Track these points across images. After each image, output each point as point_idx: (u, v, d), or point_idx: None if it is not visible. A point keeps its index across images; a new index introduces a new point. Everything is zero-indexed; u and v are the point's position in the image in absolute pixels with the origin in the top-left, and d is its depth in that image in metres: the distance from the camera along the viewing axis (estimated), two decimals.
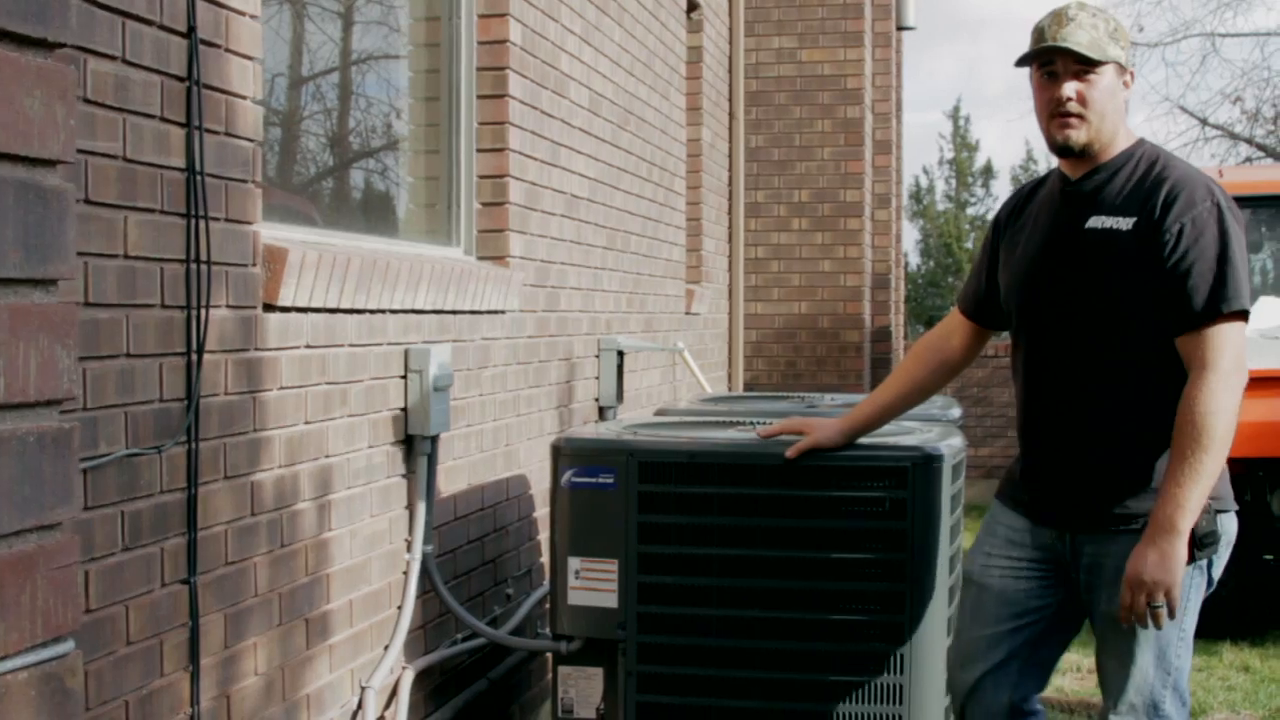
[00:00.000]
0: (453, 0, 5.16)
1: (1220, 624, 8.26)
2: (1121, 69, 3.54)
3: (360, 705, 4.04)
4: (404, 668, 4.32)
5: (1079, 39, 3.46)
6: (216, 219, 3.24)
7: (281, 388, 3.58)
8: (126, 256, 2.92)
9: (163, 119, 3.03)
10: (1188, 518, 3.28)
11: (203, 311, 3.14)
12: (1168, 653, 3.47)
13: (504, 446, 5.25)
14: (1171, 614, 3.31)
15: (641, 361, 7.28)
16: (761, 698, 4.18)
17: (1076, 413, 3.53)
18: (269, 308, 3.49)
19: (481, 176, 5.22)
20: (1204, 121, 22.68)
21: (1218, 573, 3.57)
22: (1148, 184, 3.46)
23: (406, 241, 4.87)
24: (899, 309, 13.90)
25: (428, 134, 5.19)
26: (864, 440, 4.16)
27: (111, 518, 2.89)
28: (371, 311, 4.07)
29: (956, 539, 4.36)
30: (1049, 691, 6.92)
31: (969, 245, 34.92)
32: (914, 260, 35.71)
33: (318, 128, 4.83)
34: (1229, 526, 3.55)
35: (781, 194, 11.22)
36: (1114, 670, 3.54)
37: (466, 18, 5.17)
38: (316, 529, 3.78)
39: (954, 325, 3.97)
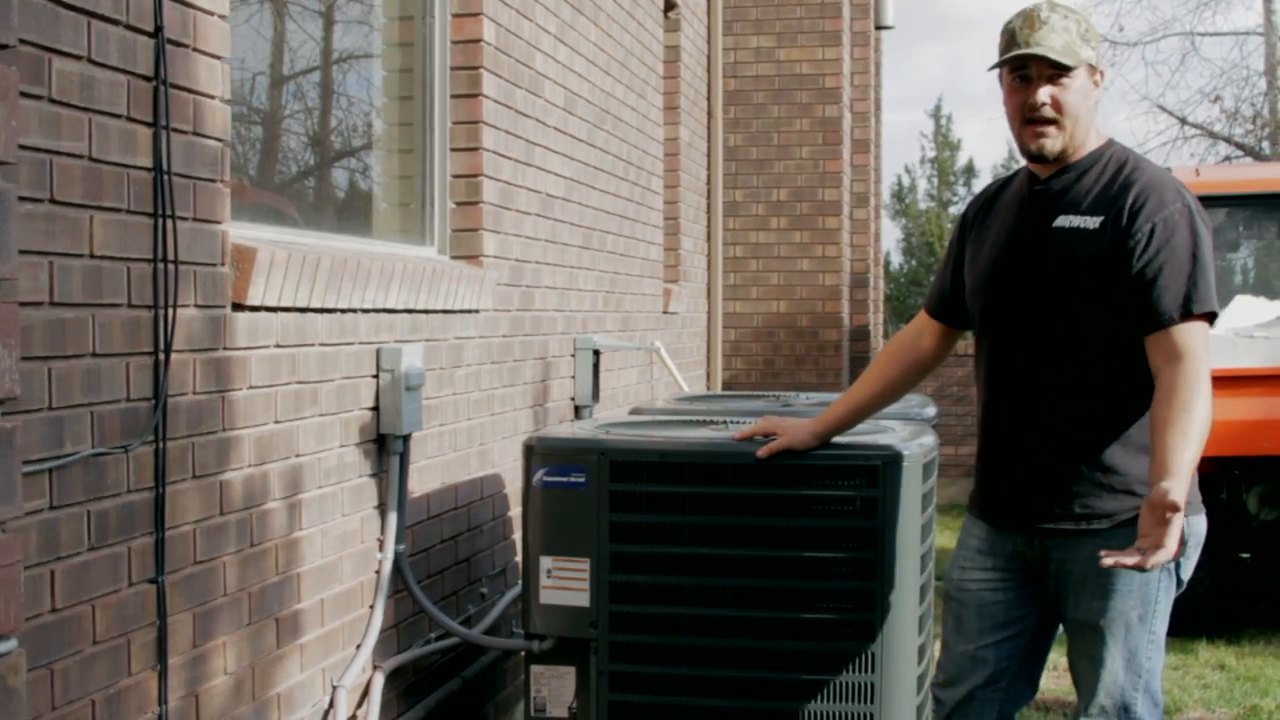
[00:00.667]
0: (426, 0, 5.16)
1: (1196, 622, 8.30)
2: (1093, 69, 3.52)
3: (332, 704, 4.04)
4: (376, 667, 4.32)
5: (1053, 43, 3.44)
6: (184, 218, 3.23)
7: (251, 387, 3.57)
8: (92, 256, 2.92)
9: (129, 119, 3.03)
10: (1184, 474, 3.15)
11: (170, 311, 3.14)
12: (1138, 655, 3.47)
13: (478, 446, 5.25)
14: (1170, 554, 3.08)
15: (619, 361, 7.28)
16: (733, 696, 4.18)
17: (1039, 413, 3.52)
18: (238, 307, 3.49)
19: (455, 176, 5.23)
20: (1183, 120, 22.74)
21: (1187, 574, 3.57)
22: (1117, 185, 3.46)
23: (381, 241, 4.87)
24: (878, 308, 13.92)
25: (402, 133, 5.20)
26: (836, 439, 4.17)
27: (77, 517, 2.89)
28: (342, 311, 4.07)
29: (928, 537, 4.37)
30: None
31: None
32: (896, 259, 35.77)
33: (292, 127, 4.83)
34: (1198, 528, 3.54)
35: (760, 193, 11.23)
36: (1085, 673, 3.55)
37: (440, 17, 5.17)
38: (287, 528, 3.78)
39: (923, 326, 3.96)
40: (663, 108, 8.64)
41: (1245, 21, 38.03)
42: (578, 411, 6.51)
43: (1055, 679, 7.27)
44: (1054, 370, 3.49)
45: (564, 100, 6.25)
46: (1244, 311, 8.71)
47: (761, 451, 4.07)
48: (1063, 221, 3.48)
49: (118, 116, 2.99)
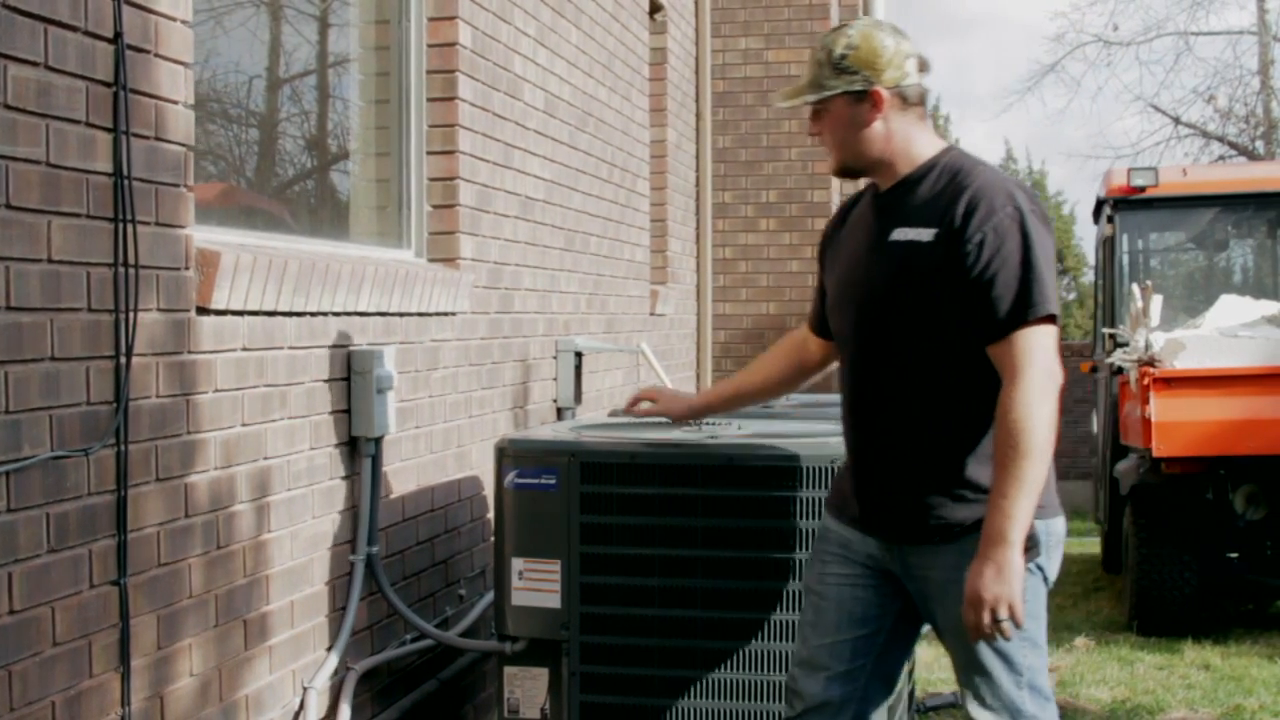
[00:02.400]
0: (402, 3, 5.18)
1: (1183, 622, 8.33)
2: (858, 94, 3.49)
3: (302, 706, 4.06)
4: (349, 668, 4.34)
5: (795, 86, 3.58)
6: (146, 223, 3.25)
7: (217, 390, 3.59)
8: (50, 261, 2.94)
9: (88, 124, 3.05)
10: (1018, 527, 3.24)
11: (130, 315, 3.16)
12: (1014, 658, 3.46)
13: (455, 448, 5.27)
14: (1018, 624, 3.26)
15: (603, 363, 7.30)
16: (704, 697, 4.21)
17: (891, 424, 3.52)
18: (202, 310, 3.50)
19: (432, 179, 5.25)
20: (1177, 120, 22.77)
21: (1053, 572, 3.57)
22: (948, 194, 3.43)
23: (357, 244, 4.89)
24: None
25: (379, 137, 5.22)
26: (805, 439, 4.19)
27: (36, 519, 2.91)
28: (312, 314, 4.09)
29: None
30: None
31: None
32: None
33: (269, 131, 4.85)
34: (1056, 529, 3.54)
35: (749, 194, 11.25)
36: (967, 678, 3.55)
37: (416, 21, 5.19)
38: (255, 530, 3.80)
39: (809, 333, 4.01)
40: (649, 110, 8.65)
41: (1239, 21, 38.00)
42: (560, 414, 6.52)
43: None
44: (902, 382, 3.49)
45: (544, 103, 6.27)
46: (1229, 311, 8.74)
47: (634, 410, 4.29)
48: (898, 235, 3.47)
49: (76, 122, 3.01)
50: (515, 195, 5.89)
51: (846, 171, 3.60)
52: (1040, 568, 3.48)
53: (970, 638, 3.34)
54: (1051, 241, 3.43)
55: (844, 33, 3.51)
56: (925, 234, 3.41)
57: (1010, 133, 69.83)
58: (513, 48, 5.86)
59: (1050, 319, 3.34)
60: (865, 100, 3.48)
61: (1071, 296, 34.77)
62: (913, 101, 3.52)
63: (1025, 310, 3.31)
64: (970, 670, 3.51)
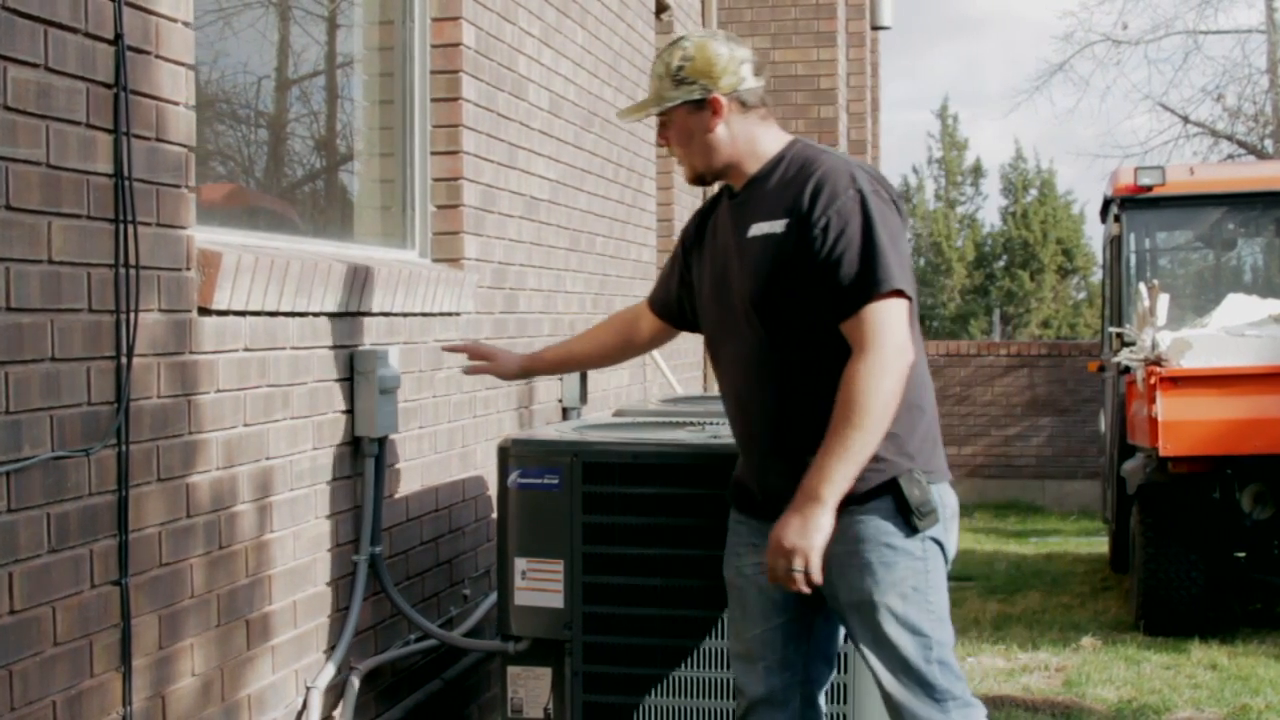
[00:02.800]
0: (406, 4, 5.19)
1: (1190, 622, 8.32)
2: (698, 103, 3.63)
3: (305, 705, 4.07)
4: (352, 668, 4.35)
5: (638, 102, 3.78)
6: (147, 224, 3.26)
7: (219, 390, 3.60)
8: (51, 262, 2.94)
9: (89, 125, 3.06)
10: (833, 490, 3.37)
11: (132, 315, 3.17)
12: (921, 627, 3.53)
13: (460, 448, 5.28)
14: (813, 580, 3.40)
15: None
16: (706, 697, 4.21)
17: (773, 410, 3.61)
18: (204, 311, 3.51)
19: (436, 179, 5.25)
20: (1186, 119, 22.70)
21: (951, 548, 3.65)
22: (796, 184, 3.56)
23: (361, 245, 4.90)
24: None
25: (383, 137, 5.22)
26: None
27: (37, 519, 2.91)
28: (314, 314, 4.09)
29: None
30: (1015, 690, 6.97)
31: (959, 244, 34.96)
32: None
33: (274, 131, 4.86)
34: (948, 499, 3.64)
35: None
36: (875, 655, 3.59)
37: (420, 21, 5.20)
38: (257, 530, 3.80)
39: (644, 312, 4.17)
40: None
41: (1248, 19, 38.02)
42: (565, 414, 6.52)
43: (1047, 679, 7.30)
44: (778, 369, 3.59)
45: (549, 103, 6.27)
46: (1236, 310, 8.73)
47: (466, 369, 4.47)
48: (755, 230, 3.60)
49: (76, 123, 3.02)
50: (520, 195, 5.90)
51: (700, 179, 3.74)
52: (938, 541, 3.58)
53: (768, 579, 3.49)
54: (899, 220, 3.55)
55: (679, 45, 3.67)
56: (778, 225, 3.55)
57: (1020, 132, 69.84)
58: (517, 48, 5.86)
59: (898, 294, 3.44)
60: (705, 108, 3.63)
61: (1081, 296, 34.80)
62: (752, 104, 3.67)
63: (871, 287, 3.42)
64: (878, 645, 3.56)
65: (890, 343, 3.41)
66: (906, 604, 3.51)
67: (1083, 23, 40.51)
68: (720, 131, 3.63)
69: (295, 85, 4.98)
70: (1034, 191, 34.52)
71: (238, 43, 4.37)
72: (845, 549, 3.49)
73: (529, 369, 4.37)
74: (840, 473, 3.37)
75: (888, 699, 3.59)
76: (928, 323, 34.06)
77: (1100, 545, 12.03)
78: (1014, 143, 61.55)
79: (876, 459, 3.45)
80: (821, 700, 3.85)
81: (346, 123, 5.23)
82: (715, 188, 3.89)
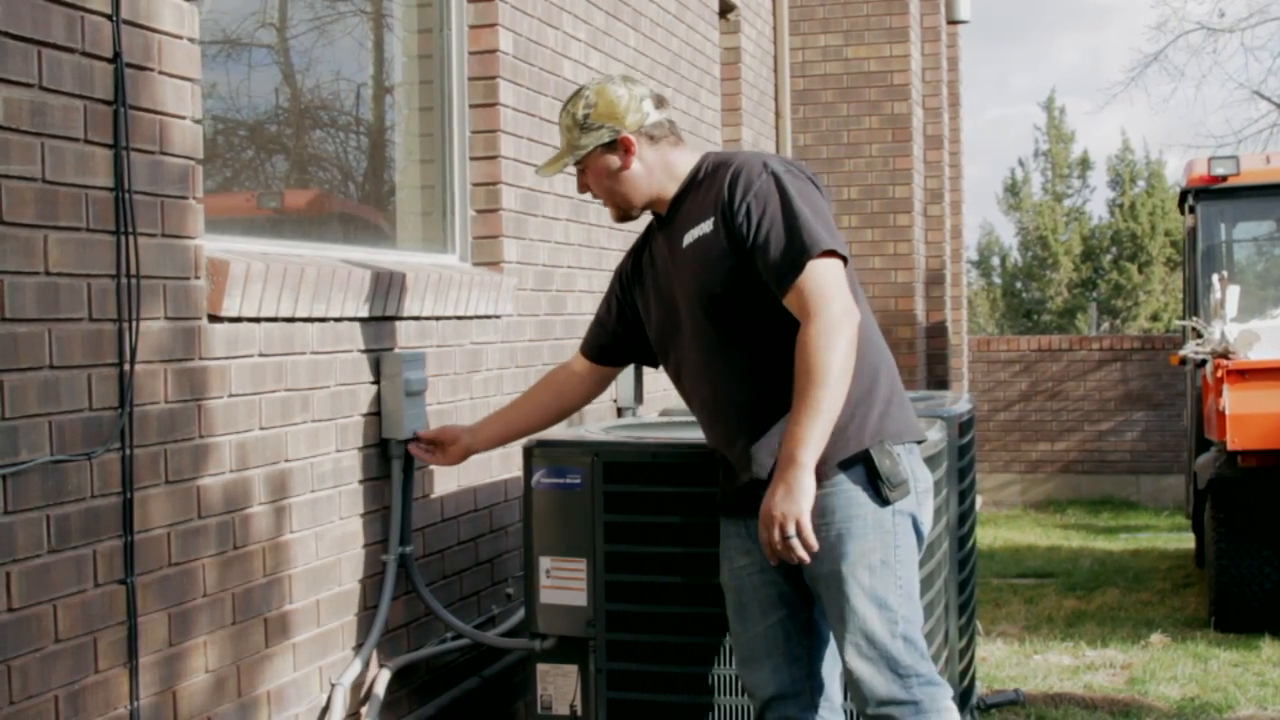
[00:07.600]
0: (444, 13, 5.28)
1: (1262, 619, 8.19)
2: (609, 145, 3.80)
3: (329, 702, 4.16)
4: (382, 665, 4.44)
5: (553, 157, 3.92)
6: (152, 235, 3.37)
7: (231, 395, 3.70)
8: (48, 273, 3.05)
9: (87, 141, 3.17)
10: (810, 451, 3.44)
11: (134, 324, 3.27)
12: (888, 601, 3.58)
13: (501, 449, 5.34)
14: (806, 544, 3.45)
15: None
16: (728, 694, 4.25)
17: (739, 407, 3.71)
18: (214, 318, 3.62)
19: (475, 184, 5.34)
20: None
21: (926, 523, 3.72)
22: (714, 185, 3.71)
23: (401, 250, 5.00)
24: (959, 304, 13.83)
25: (423, 144, 5.32)
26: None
27: (35, 521, 3.03)
28: (335, 319, 4.19)
29: (936, 528, 4.39)
30: (1076, 688, 6.92)
31: (1065, 238, 34.54)
32: (1013, 254, 35.49)
33: (314, 140, 4.97)
34: (920, 473, 3.72)
35: (830, 191, 11.21)
36: (842, 628, 3.63)
37: (457, 29, 5.29)
38: (274, 531, 3.90)
39: (577, 366, 4.30)
40: (722, 109, 8.69)
41: None
42: (620, 413, 6.57)
43: (1111, 676, 7.23)
44: (736, 366, 3.71)
45: None
46: None
47: (421, 455, 4.46)
48: (688, 238, 3.74)
49: (74, 140, 3.13)
50: (567, 198, 5.97)
51: (626, 216, 3.93)
52: (912, 516, 3.65)
53: (769, 557, 3.54)
54: (817, 193, 3.66)
55: (581, 95, 3.83)
56: (706, 226, 3.68)
57: (1128, 122, 68.81)
58: (561, 52, 5.93)
59: (831, 254, 3.54)
60: (617, 148, 3.80)
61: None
62: (660, 135, 3.84)
63: (801, 254, 3.53)
64: (845, 618, 3.60)
65: (835, 303, 3.50)
66: (874, 576, 3.57)
67: (1176, 11, 39.81)
68: (636, 167, 3.81)
69: (336, 94, 5.09)
70: (1141, 183, 34.03)
71: (279, 54, 4.49)
72: (816, 521, 3.54)
73: (470, 450, 4.42)
74: (813, 432, 3.44)
75: (849, 673, 3.64)
76: (1035, 317, 33.71)
77: (1189, 541, 11.87)
78: (1121, 132, 60.67)
79: (843, 430, 3.54)
80: (836, 691, 3.89)
81: (388, 131, 5.33)
82: (644, 222, 4.02)
